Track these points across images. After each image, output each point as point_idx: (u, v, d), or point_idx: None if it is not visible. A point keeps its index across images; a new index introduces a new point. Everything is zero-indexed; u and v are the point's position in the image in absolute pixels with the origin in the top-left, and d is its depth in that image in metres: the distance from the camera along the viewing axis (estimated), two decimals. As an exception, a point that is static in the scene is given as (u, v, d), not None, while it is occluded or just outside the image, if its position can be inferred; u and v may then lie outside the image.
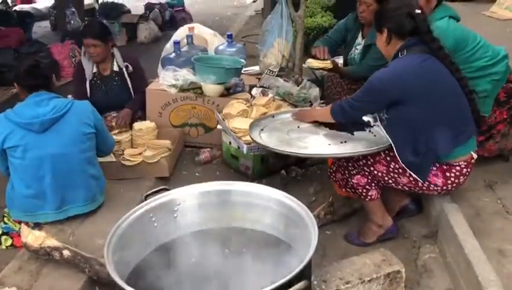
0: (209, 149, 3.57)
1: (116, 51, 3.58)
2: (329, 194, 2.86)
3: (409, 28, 2.27)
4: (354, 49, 3.45)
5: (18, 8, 10.21)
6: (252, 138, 2.57)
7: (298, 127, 2.62)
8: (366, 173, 2.38)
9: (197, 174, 3.39)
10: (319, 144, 2.44)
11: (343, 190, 2.58)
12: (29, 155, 2.48)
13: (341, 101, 2.47)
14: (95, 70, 3.58)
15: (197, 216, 2.18)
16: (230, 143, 3.30)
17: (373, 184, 2.40)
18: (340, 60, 3.90)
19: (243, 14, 10.23)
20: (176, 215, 2.15)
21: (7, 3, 10.47)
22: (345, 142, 2.43)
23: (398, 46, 2.31)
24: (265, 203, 2.12)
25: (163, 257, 2.03)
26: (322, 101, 3.70)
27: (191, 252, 2.08)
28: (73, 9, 8.49)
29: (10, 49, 6.83)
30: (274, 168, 3.23)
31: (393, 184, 2.39)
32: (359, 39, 3.42)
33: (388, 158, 2.34)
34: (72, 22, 8.40)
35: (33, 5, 10.84)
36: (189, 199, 2.17)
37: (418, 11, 2.28)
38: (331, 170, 2.59)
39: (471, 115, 2.34)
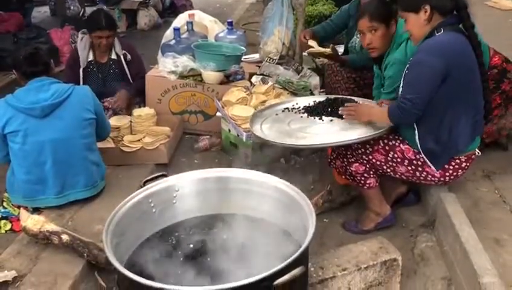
0: (208, 136, 3.57)
1: (115, 39, 3.57)
2: (327, 182, 2.87)
3: (451, 5, 2.19)
4: (355, 37, 3.43)
5: (17, -8, 10.11)
6: (252, 131, 2.53)
7: (301, 117, 2.60)
8: (365, 161, 2.39)
9: (195, 161, 3.39)
10: (319, 133, 2.42)
11: (343, 177, 2.58)
12: (29, 140, 2.49)
13: (397, 100, 2.27)
14: (90, 58, 3.55)
15: (195, 202, 2.19)
16: (229, 131, 3.31)
17: (371, 172, 2.41)
18: (341, 48, 3.90)
19: (243, 2, 10.16)
20: (175, 201, 2.16)
21: (6, -13, 10.38)
22: (346, 130, 2.40)
23: (436, 24, 2.19)
24: (263, 190, 2.12)
25: (162, 243, 2.04)
26: (322, 90, 3.70)
27: (189, 238, 2.09)
28: (73, -5, 8.42)
29: (9, 34, 6.80)
30: (274, 156, 3.23)
31: (391, 173, 2.40)
32: (361, 26, 3.40)
33: (387, 147, 2.34)
34: (71, 7, 8.31)
35: (32, -11, 10.73)
36: (187, 185, 2.18)
37: None
38: (331, 157, 2.60)
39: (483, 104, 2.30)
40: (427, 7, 2.18)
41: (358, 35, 3.38)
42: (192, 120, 3.69)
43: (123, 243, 1.93)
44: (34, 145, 2.50)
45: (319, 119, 2.53)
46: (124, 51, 3.58)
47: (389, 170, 2.38)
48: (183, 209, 2.18)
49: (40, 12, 9.29)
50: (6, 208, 2.68)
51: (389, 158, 2.35)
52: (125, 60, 3.58)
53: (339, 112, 2.50)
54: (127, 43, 3.72)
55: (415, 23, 2.24)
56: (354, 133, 2.35)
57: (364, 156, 2.38)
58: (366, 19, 2.58)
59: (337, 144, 2.39)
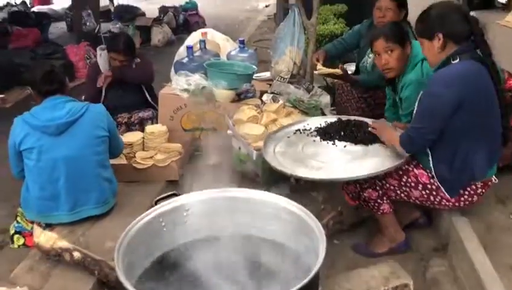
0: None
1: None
2: (338, 203, 2.86)
3: (466, 32, 2.17)
4: (366, 57, 3.45)
5: (36, 9, 10.39)
6: (266, 160, 2.51)
7: (313, 140, 2.60)
8: (378, 187, 2.38)
9: (206, 178, 3.40)
10: (333, 162, 2.39)
11: (356, 202, 2.57)
12: (44, 157, 2.53)
13: (407, 130, 2.28)
14: (109, 73, 3.64)
15: (206, 222, 2.20)
16: (239, 149, 3.32)
17: (384, 198, 2.39)
18: (352, 67, 3.92)
19: (255, 19, 10.28)
20: (186, 220, 2.18)
21: (26, 4, 10.65)
22: (360, 159, 2.38)
23: (450, 51, 2.17)
24: (273, 211, 2.13)
25: (172, 262, 2.06)
26: (332, 108, 3.71)
27: (200, 257, 2.09)
28: (89, 11, 8.57)
29: (27, 49, 6.96)
30: (283, 175, 3.22)
31: (405, 198, 2.38)
32: (372, 47, 3.42)
33: (400, 172, 2.33)
34: (87, 23, 8.47)
35: (50, 6, 11.02)
36: (198, 204, 2.19)
37: (472, 14, 2.20)
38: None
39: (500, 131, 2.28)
40: (440, 35, 2.17)
41: (370, 56, 3.41)
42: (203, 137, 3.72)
43: (134, 262, 1.94)
44: (48, 162, 2.54)
45: (332, 144, 2.53)
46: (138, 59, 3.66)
47: (403, 195, 2.37)
48: (193, 228, 2.19)
49: (57, 28, 9.49)
50: (20, 223, 2.72)
51: (402, 183, 2.33)
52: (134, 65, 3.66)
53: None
54: (145, 61, 3.79)
55: (429, 50, 2.24)
56: (368, 162, 2.33)
57: (377, 182, 2.37)
58: (382, 40, 2.60)
59: (351, 179, 2.35)
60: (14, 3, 10.25)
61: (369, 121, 2.73)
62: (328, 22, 5.14)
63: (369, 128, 2.53)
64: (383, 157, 2.38)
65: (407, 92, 2.57)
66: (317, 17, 3.83)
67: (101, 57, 3.63)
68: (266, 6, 12.15)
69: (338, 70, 3.23)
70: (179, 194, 2.22)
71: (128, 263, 1.86)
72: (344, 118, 2.80)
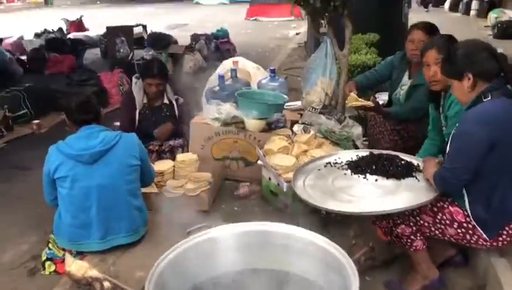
0: (248, 184, 3.58)
1: (168, 86, 3.72)
2: (370, 238, 2.79)
3: (495, 70, 2.16)
4: (399, 88, 3.42)
5: (71, 35, 10.75)
6: (296, 193, 2.48)
7: (344, 174, 2.57)
8: (411, 223, 2.32)
9: (235, 208, 3.39)
10: (363, 196, 2.35)
11: (388, 237, 2.51)
12: (77, 185, 2.57)
13: (440, 169, 2.24)
14: (145, 101, 3.72)
15: (236, 256, 2.19)
16: (270, 179, 3.31)
17: (418, 234, 2.33)
18: (384, 96, 3.89)
19: (285, 47, 10.38)
20: (216, 253, 2.16)
21: (62, 31, 11.07)
22: (392, 193, 2.34)
23: (481, 89, 2.16)
24: (304, 246, 2.10)
25: (202, 295, 2.04)
26: (364, 139, 3.67)
27: (228, 291, 2.08)
28: (123, 38, 8.85)
29: (63, 75, 7.20)
30: (314, 207, 3.19)
31: (439, 235, 2.31)
32: (405, 79, 3.40)
33: (435, 209, 2.27)
34: (121, 50, 8.74)
35: (85, 32, 11.39)
36: (229, 238, 2.18)
37: (500, 50, 2.20)
38: (376, 216, 2.53)
39: None
40: (470, 75, 2.15)
41: (403, 87, 3.38)
42: (233, 166, 3.73)
43: (163, 294, 1.93)
44: (81, 191, 2.58)
45: (363, 177, 2.49)
46: (176, 96, 3.73)
47: (437, 232, 2.30)
48: (223, 261, 2.18)
49: (92, 54, 9.79)
50: (51, 250, 2.75)
51: (437, 220, 2.27)
52: (177, 104, 3.72)
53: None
54: (179, 89, 3.88)
55: (460, 90, 2.22)
56: (401, 197, 2.28)
57: (411, 218, 2.31)
58: (434, 51, 2.59)
59: (382, 213, 2.31)
60: (51, 30, 10.67)
61: (403, 156, 2.67)
62: (360, 51, 5.14)
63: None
64: (416, 192, 2.32)
65: (456, 108, 2.52)
66: (349, 48, 3.83)
67: (136, 85, 3.72)
68: (297, 34, 12.28)
69: (370, 103, 3.21)
70: (210, 226, 2.22)
71: (158, 295, 1.85)
72: (376, 151, 2.76)
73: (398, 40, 5.98)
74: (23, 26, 13.26)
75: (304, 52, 8.99)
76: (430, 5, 16.72)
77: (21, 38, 9.84)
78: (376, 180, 2.45)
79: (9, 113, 5.25)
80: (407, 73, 3.38)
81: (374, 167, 2.53)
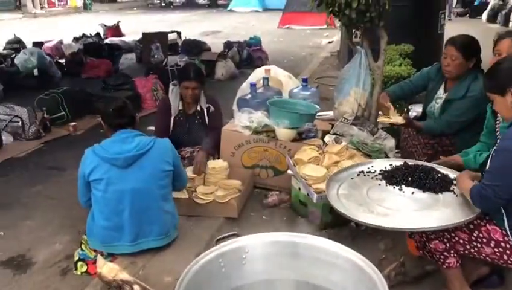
0: (277, 192, 3.58)
1: (202, 93, 3.78)
2: (400, 252, 2.75)
3: None
4: (434, 102, 3.36)
5: (108, 40, 11.03)
6: (330, 203, 2.44)
7: (379, 184, 2.53)
8: (446, 240, 2.26)
9: (264, 217, 3.40)
10: (400, 209, 2.29)
11: (420, 252, 2.46)
12: (111, 188, 2.63)
13: (479, 185, 2.16)
14: (180, 108, 3.78)
15: (264, 265, 2.18)
16: (299, 189, 3.30)
17: (452, 251, 2.27)
18: (419, 109, 3.82)
19: (317, 55, 10.36)
20: (244, 262, 2.16)
21: (99, 36, 11.38)
22: (430, 208, 2.28)
23: None
24: (333, 259, 2.07)
25: (228, 304, 2.04)
26: (397, 151, 3.62)
27: (256, 301, 2.07)
28: (158, 44, 9.05)
29: (99, 79, 7.39)
30: (343, 218, 3.15)
31: (475, 253, 2.24)
32: (440, 92, 3.33)
33: (471, 226, 2.21)
34: (156, 56, 8.94)
35: (122, 38, 11.68)
36: (257, 247, 2.17)
37: None
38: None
39: None
40: None
41: (437, 101, 3.32)
42: (263, 175, 3.73)
43: (192, 301, 1.95)
44: (114, 194, 2.63)
45: (399, 189, 2.45)
46: (208, 104, 3.78)
47: (472, 250, 2.23)
48: (251, 271, 2.17)
49: (127, 60, 10.03)
50: (84, 251, 2.82)
51: (473, 238, 2.21)
52: (207, 112, 3.76)
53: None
54: (211, 97, 3.91)
55: (502, 106, 2.17)
56: (438, 213, 2.22)
57: (446, 234, 2.25)
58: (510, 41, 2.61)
59: (420, 230, 2.26)
60: (89, 35, 10.99)
61: (440, 168, 2.61)
62: (394, 62, 5.06)
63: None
64: (454, 208, 2.25)
65: None
66: (384, 60, 3.79)
67: (173, 92, 3.78)
68: (329, 42, 12.25)
69: (400, 120, 3.15)
70: (239, 235, 2.22)
71: (186, 301, 1.86)
72: (410, 162, 2.71)
73: (433, 52, 5.91)
74: (62, 31, 13.72)
75: (337, 61, 8.96)
76: (453, 14, 16.36)
77: (60, 42, 10.16)
78: (412, 193, 2.40)
79: (47, 114, 5.43)
80: (443, 86, 3.31)
81: (409, 179, 2.48)
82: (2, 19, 19.39)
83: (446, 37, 3.87)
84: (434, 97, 3.36)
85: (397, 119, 3.20)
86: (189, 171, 3.39)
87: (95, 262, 2.63)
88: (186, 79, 3.66)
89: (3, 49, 9.45)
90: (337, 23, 5.16)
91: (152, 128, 4.17)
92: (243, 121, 3.70)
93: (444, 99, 3.24)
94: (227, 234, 2.20)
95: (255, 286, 2.15)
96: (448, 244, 2.27)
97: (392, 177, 2.55)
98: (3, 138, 4.97)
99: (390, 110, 3.30)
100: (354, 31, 4.00)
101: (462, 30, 4.57)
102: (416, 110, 4.35)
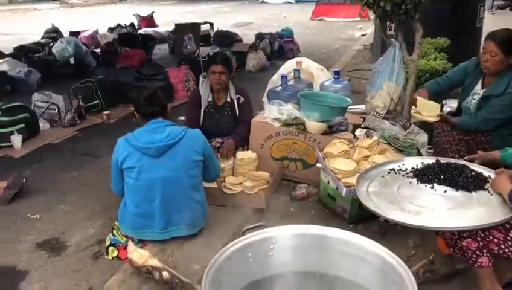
0: (306, 185, 3.57)
1: (230, 84, 3.79)
2: (430, 250, 2.71)
3: None
4: (470, 97, 3.27)
5: (142, 31, 11.18)
6: (360, 200, 2.40)
7: (410, 182, 2.48)
8: (479, 238, 2.20)
9: (292, 209, 3.40)
10: (433, 207, 2.24)
11: (451, 249, 2.41)
12: (143, 177, 2.68)
13: None
14: (210, 99, 3.81)
15: (291, 257, 2.18)
16: (328, 182, 3.28)
17: (484, 250, 2.21)
18: (453, 104, 3.73)
19: (350, 48, 10.23)
20: (271, 253, 2.17)
21: (134, 26, 11.55)
22: (463, 207, 2.22)
23: None
24: (362, 254, 2.06)
25: (256, 293, 2.06)
26: (429, 146, 3.55)
27: (283, 292, 2.09)
28: (191, 35, 9.12)
29: (132, 69, 7.52)
30: (372, 213, 3.12)
31: (509, 253, 2.18)
32: (478, 87, 3.24)
33: (507, 225, 2.14)
34: (188, 46, 9.02)
35: (155, 28, 11.81)
36: (285, 239, 2.18)
37: None
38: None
39: None
40: None
41: (474, 97, 3.23)
42: (291, 167, 3.73)
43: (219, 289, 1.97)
44: (146, 182, 2.69)
45: (431, 187, 2.40)
46: (237, 95, 3.79)
47: (507, 250, 2.17)
48: (278, 262, 2.18)
49: (160, 50, 10.15)
50: (115, 236, 2.89)
51: (508, 238, 2.14)
52: (238, 103, 3.78)
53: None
54: (240, 88, 3.93)
55: None
56: (473, 212, 2.17)
57: (479, 232, 2.19)
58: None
59: (455, 229, 2.20)
60: (123, 25, 11.17)
61: (473, 166, 2.55)
62: (429, 56, 4.96)
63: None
64: (490, 207, 2.19)
65: None
66: (419, 53, 3.71)
67: (203, 84, 3.81)
68: (363, 35, 12.06)
69: (434, 118, 3.05)
70: (266, 226, 2.23)
71: (214, 289, 1.89)
72: (443, 160, 2.65)
73: (470, 46, 5.75)
74: (98, 21, 13.99)
75: (370, 54, 8.83)
76: (494, 7, 15.75)
77: (96, 32, 10.36)
78: (445, 191, 2.35)
79: (82, 103, 5.56)
80: (480, 81, 3.22)
81: (442, 177, 2.42)
82: (41, 9, 19.94)
83: (485, 31, 3.77)
84: (471, 93, 3.27)
85: (430, 118, 3.08)
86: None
87: (125, 248, 2.70)
88: (213, 63, 3.69)
89: (42, 38, 9.70)
90: (371, 16, 5.07)
91: (183, 118, 4.22)
92: (273, 113, 3.70)
93: (482, 96, 3.15)
94: (255, 225, 2.22)
95: (281, 278, 2.16)
96: (481, 243, 2.21)
97: (424, 175, 2.49)
98: (40, 124, 5.12)
99: (425, 106, 3.20)
100: (388, 23, 3.93)
101: (503, 24, 4.41)
102: (450, 105, 4.25)
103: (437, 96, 3.44)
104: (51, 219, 3.38)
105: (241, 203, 3.26)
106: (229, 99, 3.83)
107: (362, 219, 3.13)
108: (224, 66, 3.68)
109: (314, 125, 3.58)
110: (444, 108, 4.13)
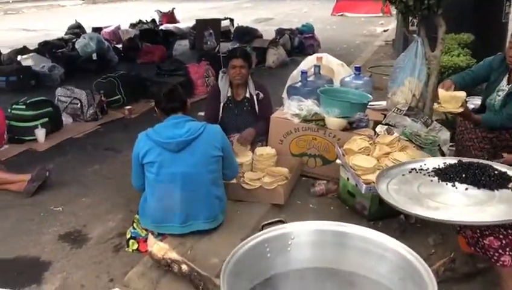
0: (325, 182, 3.56)
1: (250, 79, 3.80)
2: (450, 248, 2.67)
3: None
4: (495, 93, 3.20)
5: (163, 27, 11.26)
6: (380, 196, 2.39)
7: (431, 180, 2.44)
8: (502, 236, 2.16)
9: (310, 205, 3.39)
10: (451, 204, 2.21)
11: (472, 248, 2.37)
12: (163, 171, 2.71)
13: None
14: (229, 94, 3.82)
15: (309, 253, 2.18)
16: (348, 179, 3.26)
17: (508, 249, 2.17)
18: (477, 101, 3.66)
19: (371, 44, 10.12)
20: (289, 249, 2.17)
21: (155, 22, 11.64)
22: (484, 204, 2.18)
23: None
24: (381, 251, 2.04)
25: (273, 289, 2.07)
26: (451, 144, 3.49)
27: (300, 287, 2.08)
28: (211, 31, 9.14)
29: (153, 64, 7.58)
30: (392, 211, 3.09)
31: (533, 252, 2.14)
32: (503, 83, 3.17)
33: (531, 223, 2.11)
34: (208, 42, 9.04)
35: (176, 24, 11.88)
36: (304, 234, 2.17)
37: None
38: (461, 225, 2.40)
39: None
40: None
41: (499, 93, 3.16)
42: (310, 163, 3.72)
43: (237, 283, 1.98)
44: (166, 176, 2.72)
45: (452, 185, 2.37)
46: (257, 91, 3.80)
47: (530, 249, 2.14)
48: (296, 258, 2.18)
49: (181, 46, 10.20)
50: (135, 229, 2.93)
51: (532, 236, 2.11)
52: (257, 99, 3.78)
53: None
54: (260, 84, 3.93)
55: None
56: (494, 209, 2.12)
57: (502, 230, 2.15)
58: None
59: (473, 224, 2.18)
60: (145, 21, 11.26)
61: (497, 165, 2.50)
62: (452, 52, 4.87)
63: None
64: (511, 204, 2.15)
65: None
66: (442, 49, 3.65)
67: (222, 79, 3.83)
68: (384, 31, 11.93)
69: (459, 109, 2.99)
70: (285, 221, 2.23)
71: (232, 283, 1.90)
72: (465, 160, 2.61)
73: (495, 42, 5.61)
74: (120, 17, 14.14)
75: (391, 50, 8.73)
76: None
77: (118, 28, 10.48)
78: (466, 189, 2.31)
79: (104, 97, 5.63)
80: (506, 77, 3.15)
81: (464, 176, 2.38)
82: (64, 5, 20.26)
83: (511, 27, 3.68)
84: (496, 89, 3.21)
85: (458, 109, 2.97)
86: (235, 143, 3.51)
87: (145, 241, 2.73)
88: (233, 57, 3.70)
89: (65, 34, 9.85)
90: (393, 11, 5.01)
91: (203, 113, 4.24)
92: (292, 109, 3.69)
93: (507, 92, 3.08)
94: (273, 220, 2.21)
95: (299, 273, 2.15)
96: (503, 241, 2.17)
97: (445, 174, 2.45)
98: (63, 119, 5.21)
99: (448, 98, 3.09)
100: (410, 19, 3.88)
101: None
102: (474, 102, 4.17)
103: (462, 90, 3.36)
104: (73, 212, 3.44)
105: (259, 198, 3.27)
106: (248, 95, 3.83)
107: (382, 217, 3.11)
108: (244, 60, 3.69)
109: (334, 121, 3.56)
110: (466, 105, 4.04)
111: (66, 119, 5.27)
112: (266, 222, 2.22)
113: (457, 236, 2.65)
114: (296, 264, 2.18)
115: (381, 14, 14.34)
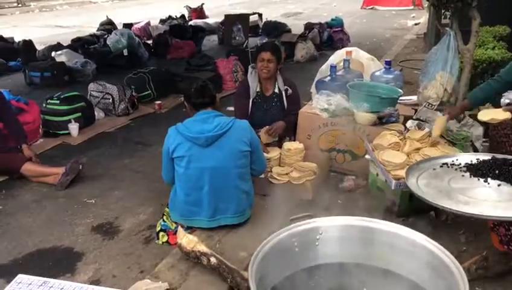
0: (353, 177, 3.53)
1: (278, 75, 3.79)
2: (483, 246, 2.61)
3: None
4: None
5: (192, 22, 11.34)
6: (409, 188, 2.37)
7: (462, 175, 2.40)
8: (534, 236, 2.12)
9: (339, 201, 3.37)
10: (483, 199, 2.17)
11: (505, 246, 2.32)
12: (192, 166, 2.75)
13: None
14: (258, 89, 3.83)
15: (337, 248, 2.17)
16: (377, 175, 3.22)
17: (541, 248, 2.12)
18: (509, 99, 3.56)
19: (402, 37, 9.94)
20: (317, 243, 2.17)
21: (184, 17, 11.74)
22: None
23: None
24: (410, 248, 2.02)
25: (300, 283, 2.08)
26: (484, 140, 3.41)
27: (328, 282, 2.08)
28: (239, 26, 9.16)
29: (183, 60, 7.66)
30: (422, 207, 3.05)
31: None
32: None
33: None
34: (237, 37, 9.07)
35: (205, 20, 11.94)
36: (332, 229, 2.17)
37: None
38: (495, 222, 2.35)
39: None
40: None
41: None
42: (339, 159, 3.69)
43: (265, 276, 2.00)
44: (195, 171, 2.75)
45: (484, 181, 2.32)
46: (286, 86, 3.79)
47: None
48: (324, 252, 2.18)
49: (210, 41, 10.25)
50: (165, 222, 2.98)
51: None
52: (286, 94, 3.78)
53: None
54: (289, 80, 3.92)
55: None
56: None
57: (535, 229, 2.11)
58: None
59: (505, 219, 2.13)
60: (174, 17, 11.37)
61: None
62: (487, 45, 4.73)
63: None
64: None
65: None
66: (475, 42, 3.56)
67: (251, 74, 3.83)
68: (416, 24, 11.69)
69: (507, 116, 2.79)
70: (313, 216, 2.24)
71: (260, 276, 1.92)
72: (499, 156, 2.54)
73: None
74: (150, 13, 14.33)
75: (423, 43, 8.55)
76: None
77: (148, 24, 10.61)
78: (499, 185, 2.26)
79: (135, 93, 5.74)
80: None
81: (497, 172, 2.32)
82: (95, 2, 20.64)
83: (549, 18, 3.55)
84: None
85: (502, 114, 2.80)
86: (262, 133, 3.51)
87: (175, 233, 2.79)
88: (262, 50, 3.70)
89: (97, 30, 10.05)
90: (425, 4, 4.90)
91: (231, 108, 4.26)
92: (321, 104, 3.67)
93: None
94: (302, 215, 2.24)
95: (327, 268, 2.15)
96: (537, 241, 2.12)
97: (478, 170, 2.40)
98: (96, 113, 5.34)
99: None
100: (443, 11, 3.79)
101: None
102: (509, 97, 4.06)
103: (481, 104, 3.21)
104: (105, 204, 3.53)
105: (288, 193, 3.27)
106: (277, 90, 3.83)
107: (411, 213, 3.06)
108: (272, 54, 3.67)
109: (363, 116, 3.52)
110: (502, 100, 3.93)
111: (98, 114, 5.39)
112: (294, 217, 2.24)
113: (490, 234, 2.59)
114: (324, 259, 2.19)
115: (412, 7, 14.11)
